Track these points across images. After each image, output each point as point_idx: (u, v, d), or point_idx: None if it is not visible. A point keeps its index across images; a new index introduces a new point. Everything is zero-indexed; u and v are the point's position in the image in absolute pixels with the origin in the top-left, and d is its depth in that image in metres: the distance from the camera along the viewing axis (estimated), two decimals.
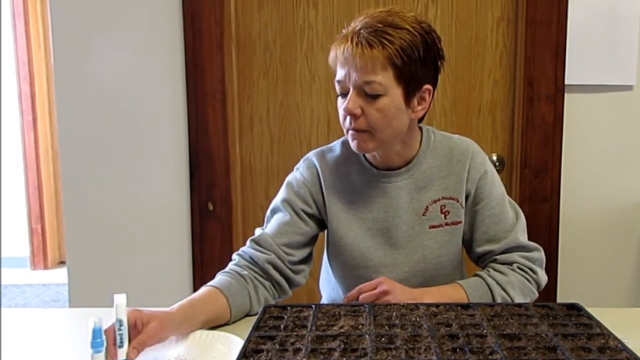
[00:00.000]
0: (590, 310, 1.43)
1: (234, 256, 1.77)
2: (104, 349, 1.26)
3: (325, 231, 1.85)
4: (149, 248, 2.76)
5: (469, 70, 2.71)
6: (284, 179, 1.86)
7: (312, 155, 1.86)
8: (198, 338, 1.45)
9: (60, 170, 2.75)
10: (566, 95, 2.63)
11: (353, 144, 1.67)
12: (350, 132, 1.66)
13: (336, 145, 1.86)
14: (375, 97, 1.60)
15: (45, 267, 6.25)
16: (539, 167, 2.66)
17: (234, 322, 1.61)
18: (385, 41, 1.57)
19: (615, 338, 1.26)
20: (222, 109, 2.68)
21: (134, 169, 2.72)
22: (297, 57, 2.74)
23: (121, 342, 1.28)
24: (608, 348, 1.21)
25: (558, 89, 2.61)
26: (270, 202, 1.85)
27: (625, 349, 1.21)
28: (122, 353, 1.28)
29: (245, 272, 1.69)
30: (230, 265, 1.74)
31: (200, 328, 1.51)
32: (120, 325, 1.28)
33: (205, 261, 2.73)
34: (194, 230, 2.73)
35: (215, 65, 2.65)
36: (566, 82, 2.61)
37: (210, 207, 2.71)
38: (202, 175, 2.70)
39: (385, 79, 1.59)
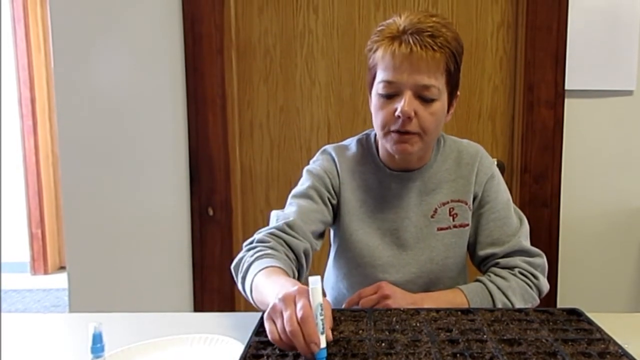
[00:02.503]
0: (590, 315, 1.43)
1: (265, 237, 1.65)
2: (104, 354, 1.26)
3: (332, 229, 1.86)
4: (149, 253, 2.76)
5: (469, 75, 2.71)
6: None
7: (329, 148, 1.86)
8: (198, 343, 1.45)
9: (61, 175, 2.75)
10: (566, 101, 2.63)
11: (397, 147, 1.65)
12: (396, 134, 1.63)
13: (352, 143, 1.87)
14: (430, 101, 1.61)
15: (46, 272, 6.25)
16: (539, 172, 2.66)
17: (242, 326, 1.59)
18: (443, 46, 1.59)
19: (616, 343, 1.26)
20: (222, 114, 2.68)
21: (134, 173, 2.72)
22: (297, 62, 2.74)
23: (322, 329, 1.18)
24: (608, 353, 1.21)
25: (558, 94, 2.62)
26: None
27: (625, 354, 1.20)
28: (323, 340, 1.17)
29: (285, 258, 1.60)
30: (271, 244, 1.62)
31: None
32: (321, 310, 1.18)
33: (206, 266, 2.73)
34: (194, 235, 2.73)
35: (215, 70, 2.66)
36: (566, 88, 2.61)
37: (211, 212, 2.71)
38: (202, 180, 2.70)
39: (440, 84, 1.61)
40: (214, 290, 2.74)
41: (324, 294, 1.96)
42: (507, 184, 1.86)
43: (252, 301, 1.51)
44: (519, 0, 2.64)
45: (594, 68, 2.61)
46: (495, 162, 1.87)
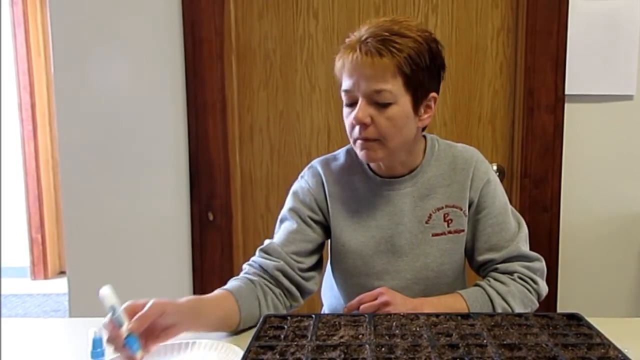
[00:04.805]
0: (590, 320, 1.42)
1: (244, 266, 1.76)
2: (104, 359, 1.26)
3: (329, 239, 1.86)
4: (149, 258, 2.75)
5: (469, 79, 2.71)
6: (284, 189, 1.86)
7: (316, 163, 1.87)
8: (197, 349, 1.45)
9: (61, 179, 2.75)
10: (566, 105, 2.63)
11: (362, 154, 1.67)
12: (359, 141, 1.65)
13: (340, 153, 1.87)
14: (385, 105, 1.60)
15: (46, 277, 6.25)
16: (539, 176, 2.66)
17: (243, 329, 1.60)
18: (394, 49, 1.58)
19: (616, 348, 1.25)
20: (222, 118, 2.68)
21: (134, 178, 2.72)
22: (297, 67, 2.74)
23: (120, 323, 1.27)
24: (608, 358, 1.21)
25: (558, 98, 2.62)
26: (273, 212, 1.85)
27: (625, 358, 1.20)
28: (124, 330, 1.26)
29: (255, 279, 1.69)
30: (241, 274, 1.73)
31: (210, 328, 1.52)
32: (114, 311, 1.28)
33: (206, 271, 2.73)
34: (194, 240, 2.73)
35: (215, 75, 2.66)
36: (566, 92, 2.61)
37: (211, 217, 2.71)
38: (202, 185, 2.70)
39: (395, 87, 1.60)
40: None
41: (325, 306, 1.97)
42: (507, 188, 1.85)
43: None
44: (519, 5, 2.64)
45: (594, 73, 2.61)
46: (496, 167, 1.87)
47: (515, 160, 2.70)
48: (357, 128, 1.63)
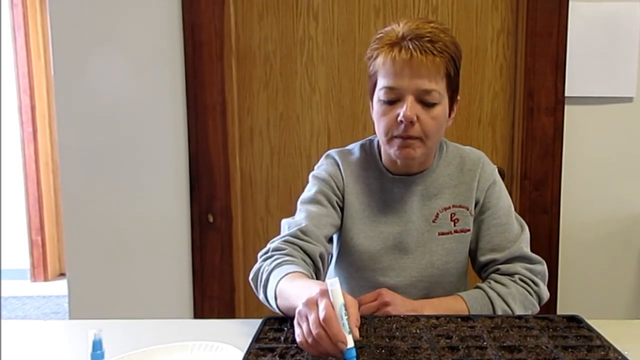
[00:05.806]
0: (590, 322, 1.43)
1: (280, 245, 1.65)
2: None
3: (336, 233, 1.86)
4: (149, 260, 2.75)
5: (469, 82, 2.71)
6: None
7: (333, 153, 1.87)
8: (197, 350, 1.44)
9: (60, 182, 2.75)
10: (566, 107, 2.63)
11: (399, 152, 1.66)
12: (399, 139, 1.65)
13: (355, 148, 1.88)
14: (431, 105, 1.62)
15: (46, 279, 6.24)
16: (539, 179, 2.66)
17: (242, 331, 1.59)
18: (442, 50, 1.60)
19: (616, 350, 1.25)
20: (222, 120, 2.68)
21: (134, 180, 2.72)
22: (297, 69, 2.74)
23: (348, 328, 1.17)
24: None
25: (558, 100, 2.62)
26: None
27: None
28: (350, 339, 1.16)
29: (303, 263, 1.61)
30: (287, 251, 1.62)
31: None
32: (345, 310, 1.18)
33: (206, 272, 2.73)
34: (194, 241, 2.73)
35: (215, 77, 2.66)
36: (566, 94, 2.61)
37: (211, 219, 2.71)
38: (203, 187, 2.70)
39: (441, 88, 1.63)
40: (213, 296, 2.74)
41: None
42: (507, 190, 1.86)
43: (276, 309, 1.51)
44: (519, 7, 2.65)
45: (594, 74, 2.61)
46: (496, 169, 1.87)
47: (515, 162, 2.71)
48: (401, 126, 1.62)
